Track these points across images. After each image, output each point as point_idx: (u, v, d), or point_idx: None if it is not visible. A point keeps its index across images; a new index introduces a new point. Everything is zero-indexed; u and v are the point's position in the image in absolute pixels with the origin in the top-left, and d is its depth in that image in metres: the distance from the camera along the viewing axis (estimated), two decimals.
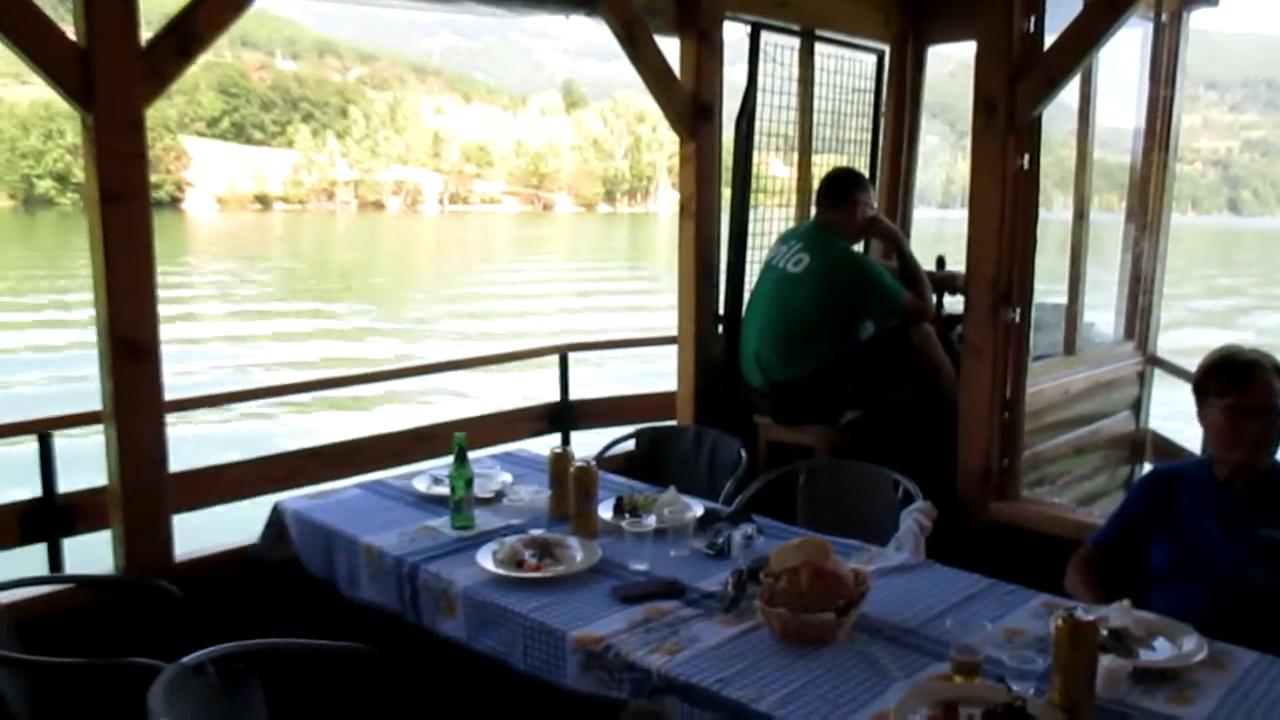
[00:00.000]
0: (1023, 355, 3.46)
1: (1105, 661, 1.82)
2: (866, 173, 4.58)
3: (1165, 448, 4.80)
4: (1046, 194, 3.43)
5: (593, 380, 4.21)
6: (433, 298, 28.01)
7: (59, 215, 68.89)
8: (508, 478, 3.10)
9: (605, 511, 2.73)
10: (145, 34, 2.62)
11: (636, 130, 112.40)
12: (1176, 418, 3.99)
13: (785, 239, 3.98)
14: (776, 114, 4.32)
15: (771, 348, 3.79)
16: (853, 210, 3.87)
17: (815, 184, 4.15)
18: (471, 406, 11.47)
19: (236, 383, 12.43)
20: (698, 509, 2.75)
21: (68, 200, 76.30)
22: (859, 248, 4.17)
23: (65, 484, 2.91)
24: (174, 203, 79.73)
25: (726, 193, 4.17)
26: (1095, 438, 4.52)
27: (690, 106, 3.92)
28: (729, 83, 4.07)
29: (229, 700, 2.16)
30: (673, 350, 4.17)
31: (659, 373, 4.56)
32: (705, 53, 3.90)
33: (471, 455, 2.77)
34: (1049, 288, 4.21)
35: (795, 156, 4.54)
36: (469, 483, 2.71)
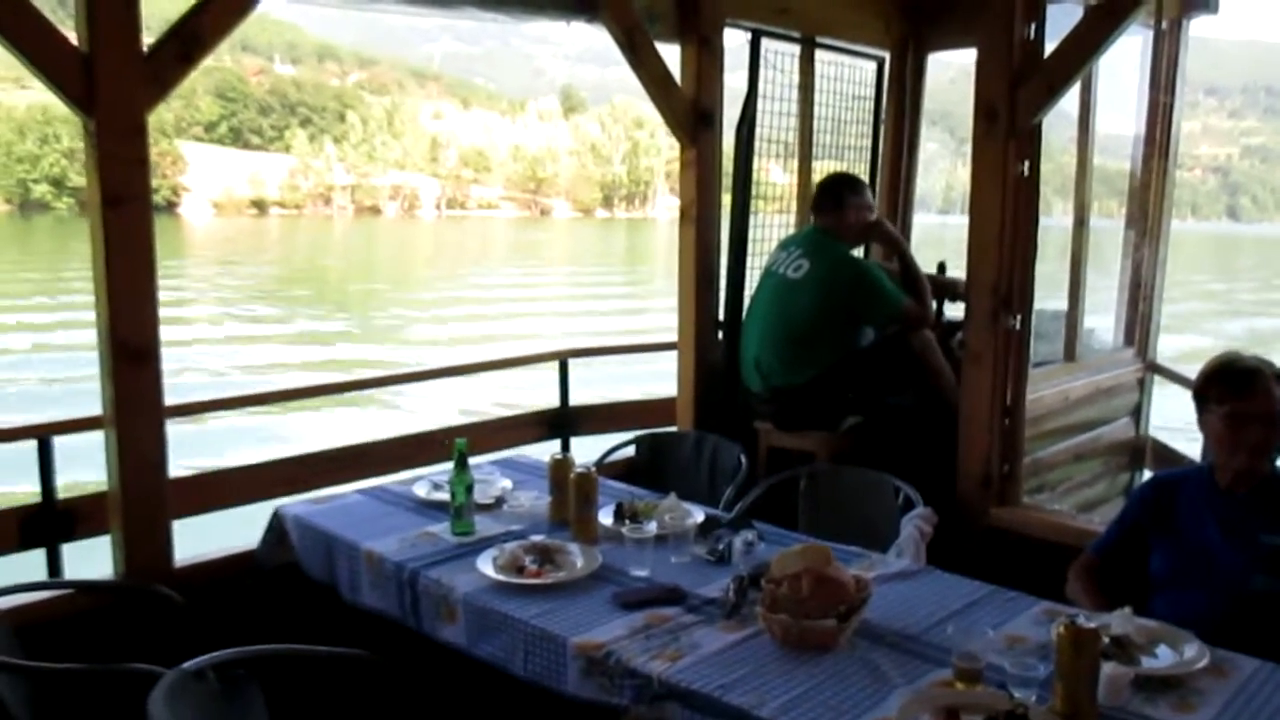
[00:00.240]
0: (1023, 361, 3.46)
1: (1107, 669, 1.82)
2: (867, 179, 4.58)
3: (1165, 454, 4.80)
4: (1046, 200, 3.43)
5: (580, 381, 4.19)
6: (414, 302, 27.99)
7: (55, 220, 68.94)
8: (508, 484, 3.10)
9: (605, 518, 2.73)
10: (147, 39, 2.63)
11: (634, 135, 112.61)
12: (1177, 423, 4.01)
13: (785, 245, 3.98)
14: (777, 120, 4.32)
15: (772, 353, 3.79)
16: (850, 214, 3.87)
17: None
18: (399, 418, 11.47)
19: (212, 387, 12.48)
20: (698, 515, 2.75)
21: (64, 205, 76.36)
22: (859, 252, 4.17)
23: (65, 477, 2.90)
24: (170, 208, 79.72)
25: (726, 199, 4.17)
26: (1095, 444, 4.52)
27: (691, 113, 3.93)
28: (729, 89, 4.08)
29: (229, 706, 2.15)
30: (660, 353, 4.16)
31: (652, 374, 4.55)
32: (706, 59, 3.90)
33: (471, 461, 2.77)
34: (1048, 294, 4.21)
35: (795, 163, 4.55)
36: (469, 489, 2.70)
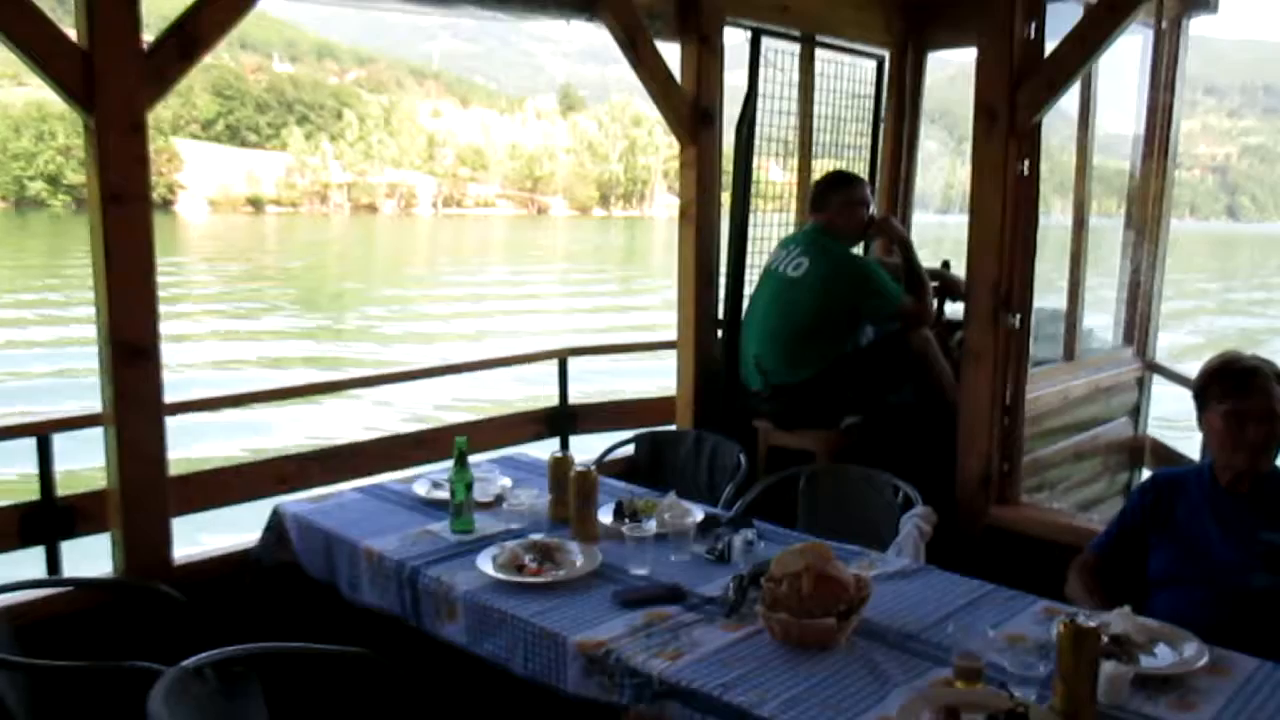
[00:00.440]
0: (1023, 360, 3.46)
1: (1107, 668, 1.82)
2: (866, 178, 4.58)
3: (1164, 453, 4.81)
4: (1044, 199, 3.44)
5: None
6: (398, 299, 27.97)
7: (50, 217, 68.85)
8: (507, 482, 3.10)
9: (605, 516, 2.73)
10: (146, 37, 2.62)
11: (632, 134, 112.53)
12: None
13: (785, 244, 3.98)
14: (776, 119, 4.32)
15: (772, 352, 3.79)
16: (847, 212, 3.87)
17: None
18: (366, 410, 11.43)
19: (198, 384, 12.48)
20: (698, 514, 2.74)
21: (59, 202, 76.32)
22: (859, 250, 4.17)
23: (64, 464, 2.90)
24: (165, 205, 79.55)
25: (725, 197, 4.17)
26: (1094, 443, 4.53)
27: (691, 111, 3.93)
28: (729, 87, 4.08)
29: (229, 704, 2.15)
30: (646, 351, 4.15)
31: (638, 371, 4.52)
32: (706, 58, 3.90)
33: (470, 459, 2.77)
34: (1046, 293, 4.22)
35: (795, 161, 4.55)
36: (469, 487, 2.70)
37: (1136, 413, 4.85)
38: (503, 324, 22.38)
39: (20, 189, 78.20)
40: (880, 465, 3.27)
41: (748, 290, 4.10)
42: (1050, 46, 3.32)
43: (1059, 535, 3.25)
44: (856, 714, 1.80)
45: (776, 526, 2.78)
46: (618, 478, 3.33)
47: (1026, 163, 3.34)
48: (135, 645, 2.27)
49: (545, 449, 3.67)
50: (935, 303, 3.99)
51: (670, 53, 3.89)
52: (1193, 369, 2.54)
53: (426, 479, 3.10)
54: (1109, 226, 4.93)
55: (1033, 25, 3.33)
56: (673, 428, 4.10)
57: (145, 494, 2.74)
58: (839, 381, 3.75)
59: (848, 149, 4.68)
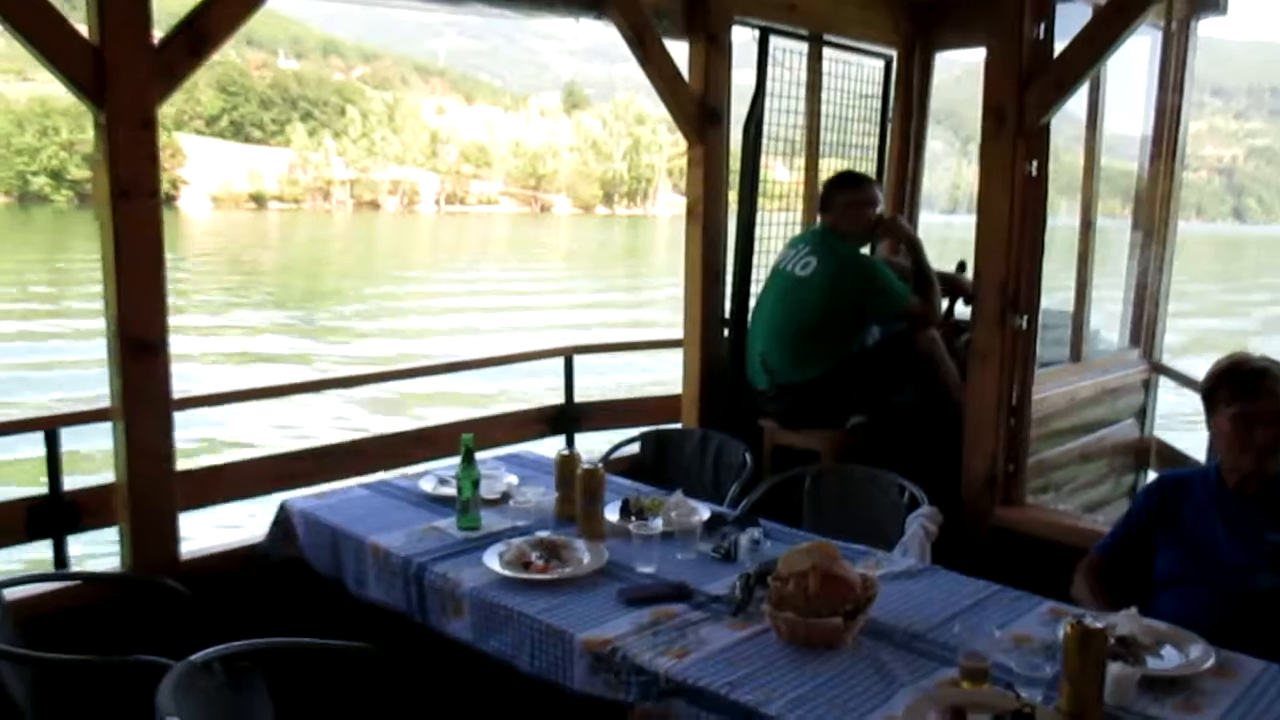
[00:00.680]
0: (1030, 361, 3.46)
1: (1114, 669, 1.82)
2: (874, 178, 4.57)
3: (1170, 455, 4.81)
4: (1049, 199, 3.44)
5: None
6: (393, 296, 28.01)
7: (54, 212, 68.95)
8: (514, 479, 3.10)
9: (611, 514, 2.73)
10: (156, 33, 2.63)
11: (636, 132, 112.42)
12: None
13: (794, 243, 3.99)
14: (783, 118, 4.32)
15: (778, 351, 3.80)
16: (854, 212, 3.87)
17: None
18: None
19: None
20: (704, 512, 2.74)
21: (62, 197, 76.36)
22: (866, 249, 4.17)
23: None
24: (168, 200, 79.16)
25: (731, 196, 4.17)
26: (1100, 445, 4.53)
27: (698, 110, 3.93)
28: (735, 86, 4.09)
29: (236, 698, 2.16)
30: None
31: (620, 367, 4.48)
32: (714, 56, 3.91)
33: (477, 456, 2.77)
34: (1051, 294, 4.21)
35: (801, 161, 4.55)
36: (476, 484, 2.70)
37: (1143, 414, 4.85)
38: (492, 321, 22.46)
39: (24, 184, 78.21)
40: (885, 465, 3.27)
41: (754, 289, 4.10)
42: (1059, 47, 3.32)
43: (1064, 537, 3.25)
44: (863, 714, 1.80)
45: (782, 526, 2.78)
46: (623, 475, 3.33)
47: (1034, 163, 3.34)
48: (142, 639, 2.27)
49: (549, 447, 3.69)
50: (945, 303, 3.99)
51: (678, 51, 3.89)
52: (1199, 370, 2.54)
53: (433, 475, 3.10)
54: (1113, 228, 4.94)
55: (1042, 26, 3.33)
56: (678, 426, 4.11)
57: (152, 488, 2.74)
58: (845, 381, 3.75)
59: (855, 149, 4.68)
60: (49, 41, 2.44)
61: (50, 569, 2.85)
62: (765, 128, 4.19)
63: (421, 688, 2.31)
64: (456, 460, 2.74)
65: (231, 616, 2.43)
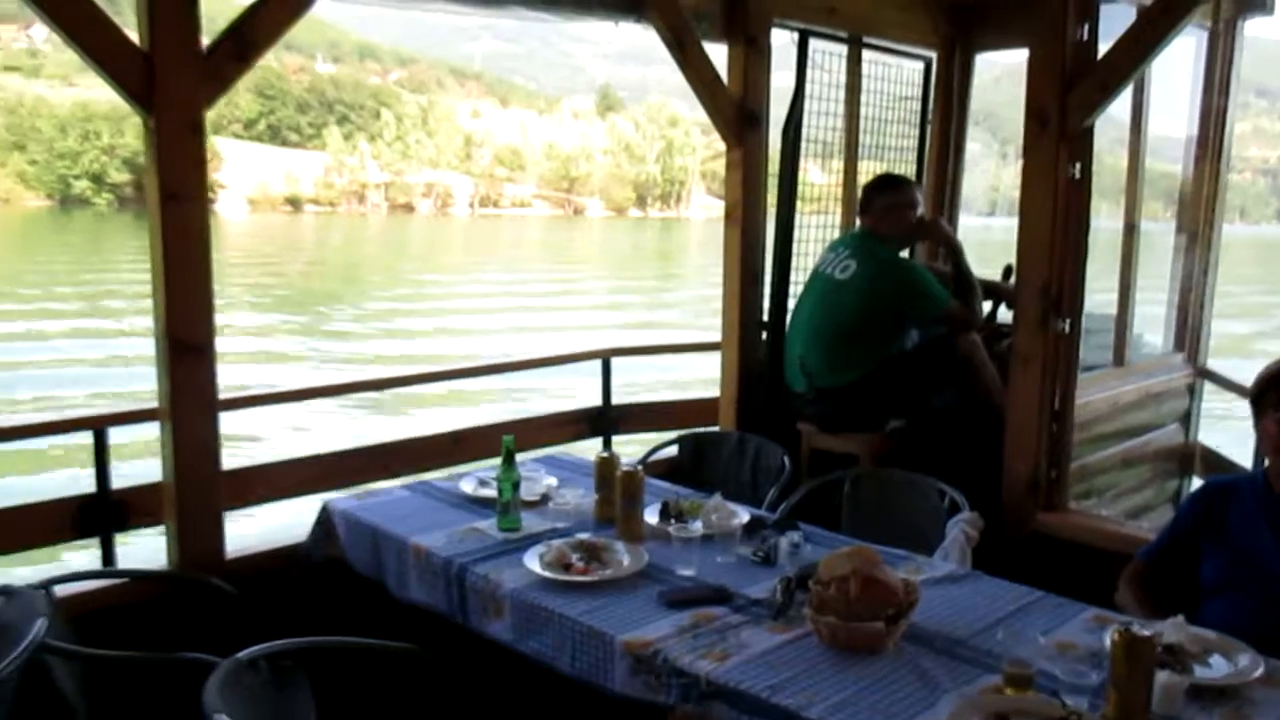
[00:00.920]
0: (1073, 365, 3.43)
1: (1162, 678, 1.80)
2: (914, 180, 4.55)
3: (1215, 461, 4.74)
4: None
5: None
6: (413, 296, 28.21)
7: (94, 215, 70.03)
8: (553, 481, 3.11)
9: (651, 516, 2.73)
10: (204, 39, 2.67)
11: (669, 135, 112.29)
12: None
13: (834, 246, 3.98)
14: (822, 120, 4.31)
15: (817, 354, 3.79)
16: (894, 214, 3.85)
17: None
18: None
19: None
20: (744, 515, 2.74)
21: (103, 200, 77.58)
22: (905, 253, 4.15)
23: None
24: None
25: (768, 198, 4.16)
26: (1144, 450, 4.47)
27: (737, 113, 3.93)
28: (773, 89, 4.08)
29: (280, 695, 2.18)
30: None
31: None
32: (753, 59, 3.90)
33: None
34: (1092, 297, 4.17)
35: (840, 164, 4.53)
36: (516, 485, 2.71)
37: (1187, 419, 4.79)
38: (496, 322, 22.68)
39: (65, 187, 79.52)
40: (924, 469, 3.25)
41: (793, 292, 4.09)
42: (1103, 49, 3.28)
43: (1107, 543, 3.21)
44: (906, 719, 1.79)
45: (822, 530, 2.77)
46: (660, 478, 3.33)
47: (1078, 166, 3.30)
48: (187, 636, 2.30)
49: (586, 449, 3.71)
50: (988, 307, 3.96)
51: (717, 54, 3.89)
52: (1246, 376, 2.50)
53: (473, 477, 3.12)
54: (1155, 231, 4.87)
55: (1085, 27, 3.29)
56: (716, 429, 4.10)
57: (198, 488, 2.78)
58: (884, 384, 3.74)
59: (894, 151, 4.66)
60: (100, 47, 2.49)
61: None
62: (804, 130, 4.18)
63: (463, 689, 2.32)
64: (495, 462, 2.76)
65: (274, 615, 2.46)
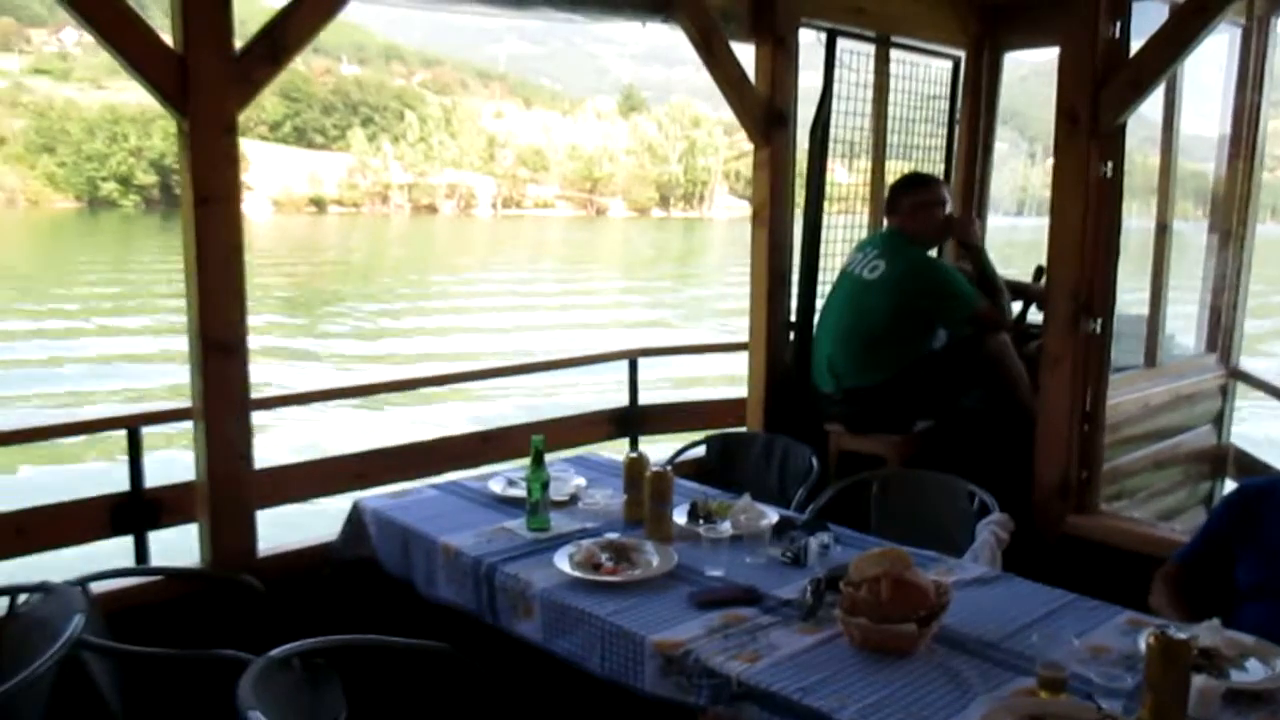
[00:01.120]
0: (1104, 367, 3.40)
1: (1198, 681, 1.78)
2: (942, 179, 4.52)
3: (1248, 463, 4.68)
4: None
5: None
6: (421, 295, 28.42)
7: (121, 216, 70.84)
8: (581, 481, 3.11)
9: (679, 517, 2.73)
10: (236, 42, 2.69)
11: (691, 135, 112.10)
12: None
13: (862, 246, 3.97)
14: (849, 120, 4.29)
15: (845, 354, 3.77)
16: (921, 213, 3.83)
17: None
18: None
19: None
20: (773, 516, 2.74)
21: (129, 202, 78.37)
22: (933, 252, 4.12)
23: None
24: None
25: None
26: (1175, 452, 4.42)
27: (764, 112, 3.92)
28: (800, 89, 4.07)
29: (312, 693, 2.20)
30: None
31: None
32: (780, 59, 3.90)
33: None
34: (1122, 297, 4.14)
35: (868, 163, 4.52)
36: (545, 485, 2.72)
37: (1219, 421, 4.73)
38: (499, 321, 22.95)
39: (93, 189, 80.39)
40: (952, 470, 3.24)
41: (820, 292, 4.08)
42: (1135, 46, 3.25)
43: (1139, 545, 3.19)
44: None
45: (851, 531, 2.76)
46: (688, 479, 3.33)
47: (1109, 165, 3.28)
48: (218, 633, 2.32)
49: (612, 449, 3.71)
50: (1017, 308, 3.94)
51: (743, 54, 3.89)
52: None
53: (502, 477, 3.13)
54: (1186, 230, 4.82)
55: (1117, 25, 3.27)
56: (743, 430, 4.10)
57: (231, 487, 2.81)
58: (912, 385, 3.72)
59: (922, 151, 4.64)
60: (136, 51, 2.52)
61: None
62: (831, 130, 4.16)
63: (492, 688, 2.33)
64: (523, 461, 2.77)
65: (305, 614, 2.48)
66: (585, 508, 2.88)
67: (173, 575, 2.81)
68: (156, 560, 2.98)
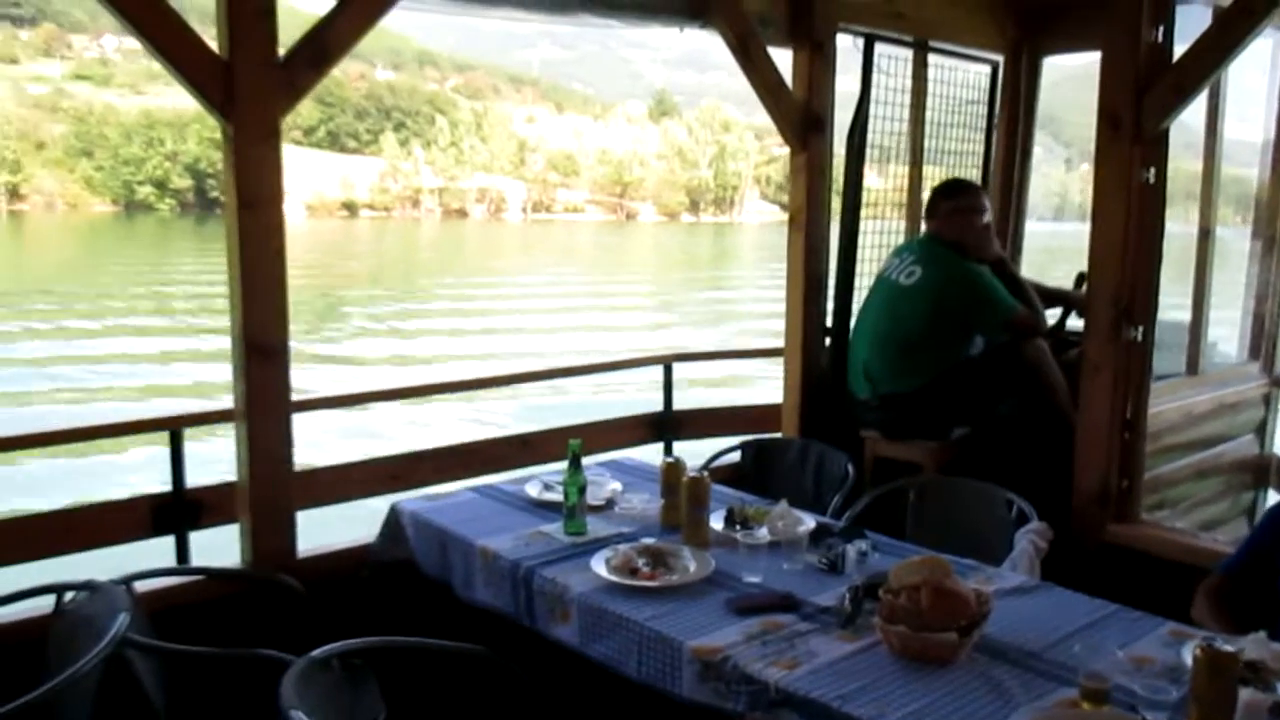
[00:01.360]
0: (1145, 374, 3.36)
1: (1245, 695, 1.76)
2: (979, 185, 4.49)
3: None
4: None
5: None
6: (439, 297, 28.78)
7: (157, 220, 71.91)
8: (618, 485, 3.12)
9: (716, 523, 2.73)
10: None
11: (722, 140, 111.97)
12: None
13: (898, 251, 3.95)
14: (886, 125, 4.28)
15: (881, 360, 3.76)
16: (958, 220, 3.80)
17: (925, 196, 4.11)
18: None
19: None
20: (810, 523, 2.72)
21: (165, 206, 79.58)
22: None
23: None
24: None
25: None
26: (1217, 461, 4.36)
27: (802, 117, 3.91)
28: (837, 93, 4.06)
29: (352, 694, 2.21)
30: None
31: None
32: (818, 64, 3.89)
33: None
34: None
35: (901, 168, 4.49)
36: (582, 489, 2.72)
37: (1262, 430, 4.66)
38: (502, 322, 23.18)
39: (130, 193, 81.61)
40: (989, 478, 3.21)
41: (857, 298, 4.06)
42: (1178, 50, 3.22)
43: (1181, 555, 3.15)
44: None
45: (889, 538, 2.75)
46: (723, 484, 3.33)
47: (1152, 170, 3.24)
48: (257, 633, 2.35)
49: (645, 453, 3.72)
50: (1056, 315, 3.90)
51: (780, 59, 3.88)
52: None
53: (538, 480, 3.14)
54: (1227, 237, 4.76)
55: (1160, 29, 3.23)
56: (778, 435, 4.09)
57: (272, 488, 2.83)
58: (949, 392, 3.69)
59: (958, 155, 4.61)
60: (184, 58, 2.55)
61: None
62: (868, 135, 4.15)
63: (530, 691, 2.34)
64: (558, 465, 2.77)
65: (343, 615, 2.50)
66: (621, 512, 2.88)
67: (214, 575, 2.84)
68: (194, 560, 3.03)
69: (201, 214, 75.18)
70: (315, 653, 2.03)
